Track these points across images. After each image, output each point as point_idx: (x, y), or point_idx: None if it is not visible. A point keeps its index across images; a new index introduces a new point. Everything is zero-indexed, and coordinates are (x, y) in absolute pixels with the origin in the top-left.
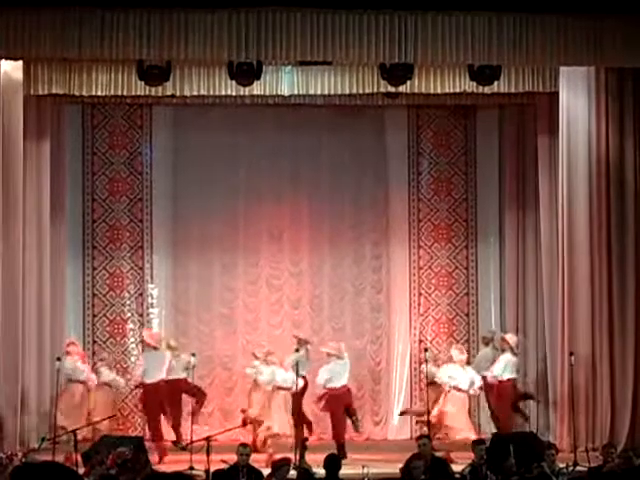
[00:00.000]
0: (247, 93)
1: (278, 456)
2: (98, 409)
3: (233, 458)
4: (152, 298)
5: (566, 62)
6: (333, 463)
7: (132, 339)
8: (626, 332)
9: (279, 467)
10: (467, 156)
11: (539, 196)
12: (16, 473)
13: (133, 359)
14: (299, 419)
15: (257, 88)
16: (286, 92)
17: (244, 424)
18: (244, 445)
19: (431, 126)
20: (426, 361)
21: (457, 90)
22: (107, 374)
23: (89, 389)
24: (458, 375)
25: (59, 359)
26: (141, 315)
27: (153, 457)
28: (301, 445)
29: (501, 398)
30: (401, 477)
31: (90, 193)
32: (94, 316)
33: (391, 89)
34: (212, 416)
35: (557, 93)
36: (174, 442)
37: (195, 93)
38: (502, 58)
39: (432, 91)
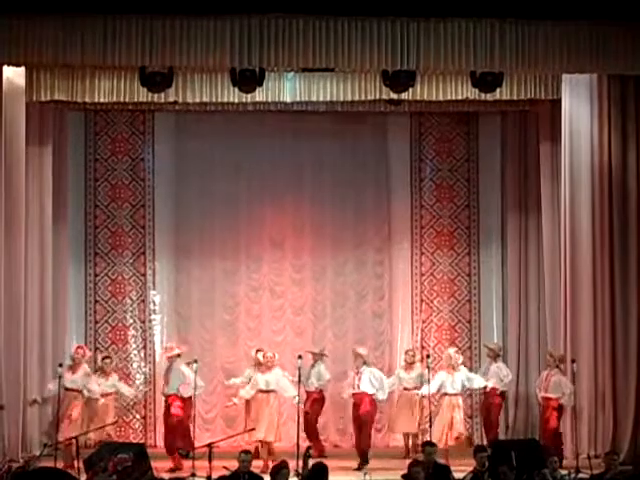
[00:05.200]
0: (249, 100)
1: None
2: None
3: (235, 465)
4: (154, 304)
5: (568, 69)
6: (320, 473)
7: (134, 345)
8: (628, 338)
9: (278, 471)
10: (469, 163)
11: (541, 203)
12: (17, 478)
13: (135, 365)
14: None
15: (259, 95)
16: (288, 99)
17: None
18: (245, 452)
19: (433, 133)
20: (428, 367)
21: (459, 97)
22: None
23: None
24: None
25: (61, 365)
26: (143, 322)
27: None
28: (305, 452)
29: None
30: None
31: (92, 199)
32: (96, 322)
33: (393, 96)
34: (214, 423)
35: (559, 100)
36: (177, 448)
37: (197, 100)
38: (504, 65)
39: (434, 98)
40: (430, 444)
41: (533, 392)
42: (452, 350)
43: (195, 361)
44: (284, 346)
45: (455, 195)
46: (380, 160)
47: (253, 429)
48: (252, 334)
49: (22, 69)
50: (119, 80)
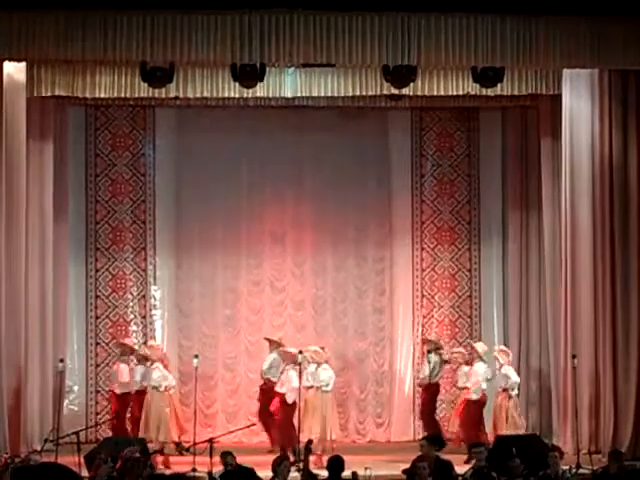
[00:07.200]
0: (250, 95)
1: None
2: None
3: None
4: (155, 300)
5: (569, 64)
6: (336, 465)
7: (135, 341)
8: (629, 333)
9: (279, 464)
10: (470, 158)
11: (542, 198)
12: (17, 473)
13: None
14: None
15: (260, 90)
16: (289, 94)
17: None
18: (225, 453)
19: (434, 128)
20: (429, 362)
21: (460, 92)
22: None
23: None
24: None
25: (62, 361)
26: (144, 317)
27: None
28: (305, 447)
29: None
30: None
31: (93, 195)
32: (97, 318)
33: (394, 91)
34: (215, 418)
35: (560, 95)
36: (177, 444)
37: (198, 95)
38: (505, 60)
39: (435, 93)
40: (426, 439)
41: (533, 388)
42: (498, 350)
43: (196, 356)
44: (285, 341)
45: (456, 190)
46: (381, 155)
47: (254, 424)
48: (253, 329)
49: (23, 64)
50: (120, 75)
